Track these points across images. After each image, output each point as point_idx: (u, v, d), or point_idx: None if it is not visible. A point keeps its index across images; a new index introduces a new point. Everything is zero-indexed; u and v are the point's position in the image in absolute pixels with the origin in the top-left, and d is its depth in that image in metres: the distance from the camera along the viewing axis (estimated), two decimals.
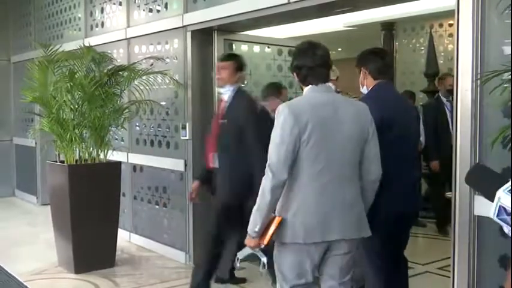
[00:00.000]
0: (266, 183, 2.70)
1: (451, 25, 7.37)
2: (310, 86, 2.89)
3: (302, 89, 2.99)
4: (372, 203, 3.02)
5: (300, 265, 2.82)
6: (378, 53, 3.58)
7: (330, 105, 2.80)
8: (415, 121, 4.10)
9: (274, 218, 2.75)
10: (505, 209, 1.27)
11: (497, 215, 1.28)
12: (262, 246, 2.82)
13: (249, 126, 4.05)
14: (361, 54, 3.62)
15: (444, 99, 6.54)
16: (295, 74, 2.96)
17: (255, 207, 2.76)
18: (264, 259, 2.97)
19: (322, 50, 2.93)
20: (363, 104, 2.95)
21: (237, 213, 3.99)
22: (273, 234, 2.74)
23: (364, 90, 3.52)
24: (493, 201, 1.27)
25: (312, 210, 2.72)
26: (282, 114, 2.73)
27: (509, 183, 1.21)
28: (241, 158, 4.04)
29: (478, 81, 3.14)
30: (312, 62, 2.88)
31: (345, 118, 2.78)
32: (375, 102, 3.15)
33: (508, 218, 1.25)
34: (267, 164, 2.72)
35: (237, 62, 4.29)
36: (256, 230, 2.76)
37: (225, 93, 4.27)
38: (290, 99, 5.56)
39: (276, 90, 5.22)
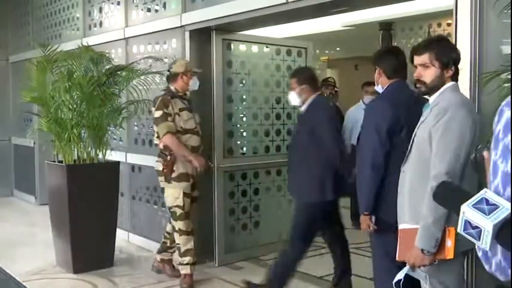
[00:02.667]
0: None
1: (449, 25, 7.37)
2: (452, 83, 2.77)
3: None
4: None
5: (461, 276, 2.76)
6: (393, 52, 3.55)
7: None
8: None
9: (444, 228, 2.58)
10: (470, 222, 1.31)
11: (464, 230, 1.32)
12: (436, 261, 2.66)
13: None
14: (377, 53, 3.62)
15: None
16: (447, 69, 2.76)
17: (428, 221, 2.58)
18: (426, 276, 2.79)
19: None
20: None
21: None
22: (454, 245, 2.56)
23: (379, 88, 3.51)
24: (458, 215, 1.31)
25: None
26: (459, 114, 2.58)
27: (474, 198, 1.24)
28: None
29: (476, 79, 3.15)
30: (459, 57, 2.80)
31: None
32: (389, 103, 3.20)
33: (474, 232, 1.29)
34: (441, 171, 2.55)
35: None
36: (435, 245, 2.59)
37: None
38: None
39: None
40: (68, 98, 5.42)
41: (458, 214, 1.35)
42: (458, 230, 1.35)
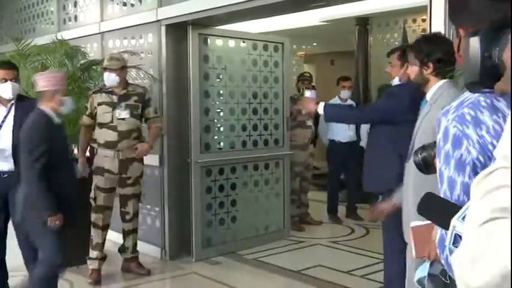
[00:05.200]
0: None
1: (424, 20, 7.45)
2: (446, 80, 2.85)
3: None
4: None
5: None
6: None
7: None
8: None
9: None
10: (460, 236, 1.32)
11: (453, 243, 1.33)
12: None
13: None
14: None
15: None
16: (431, 64, 2.87)
17: None
18: None
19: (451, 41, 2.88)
20: None
21: None
22: None
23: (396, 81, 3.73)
24: (447, 229, 1.32)
25: None
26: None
27: (462, 210, 1.26)
28: None
29: (452, 75, 3.19)
30: (452, 53, 2.87)
31: None
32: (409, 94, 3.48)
33: None
34: None
35: None
36: None
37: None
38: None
39: None
40: None
41: (444, 227, 1.36)
42: (447, 244, 1.36)
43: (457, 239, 1.32)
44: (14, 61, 5.46)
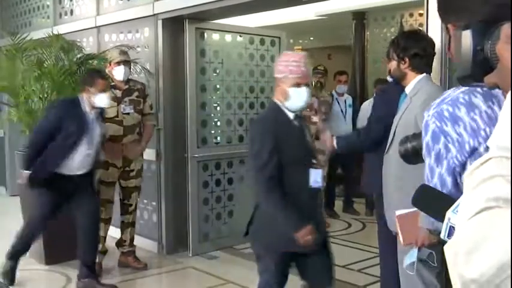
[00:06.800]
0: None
1: (421, 15, 7.45)
2: (424, 74, 2.94)
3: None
4: None
5: None
6: None
7: None
8: None
9: None
10: (455, 228, 1.32)
11: (448, 235, 1.33)
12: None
13: None
14: None
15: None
16: (407, 59, 2.95)
17: None
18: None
19: (431, 37, 3.07)
20: None
21: None
22: None
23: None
24: (442, 221, 1.33)
25: None
26: None
27: (457, 202, 1.26)
28: None
29: (447, 70, 3.20)
30: (430, 49, 2.96)
31: None
32: None
33: None
34: None
35: None
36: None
37: None
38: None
39: None
40: (38, 87, 5.34)
41: (439, 219, 1.36)
42: (442, 237, 1.36)
43: (451, 231, 1.32)
44: (10, 55, 5.46)
